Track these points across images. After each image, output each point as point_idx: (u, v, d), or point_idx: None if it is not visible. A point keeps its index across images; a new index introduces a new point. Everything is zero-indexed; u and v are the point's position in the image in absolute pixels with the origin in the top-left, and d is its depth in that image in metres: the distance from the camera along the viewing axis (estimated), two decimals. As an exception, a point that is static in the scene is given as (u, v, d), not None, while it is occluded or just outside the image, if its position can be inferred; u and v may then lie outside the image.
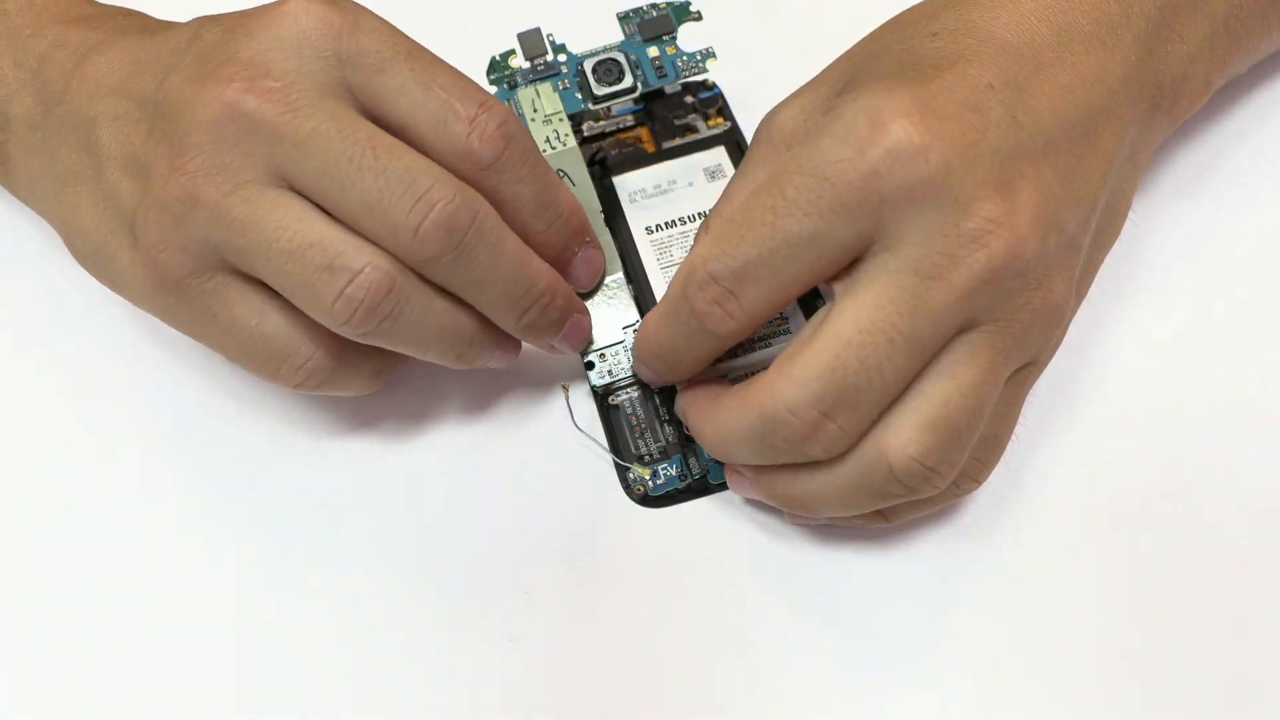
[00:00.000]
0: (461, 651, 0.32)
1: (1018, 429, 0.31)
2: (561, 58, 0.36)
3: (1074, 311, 0.31)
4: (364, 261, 0.29)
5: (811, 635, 0.32)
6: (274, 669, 0.32)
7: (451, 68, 0.30)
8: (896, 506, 0.31)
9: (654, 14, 0.37)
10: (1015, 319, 0.28)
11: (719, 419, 0.30)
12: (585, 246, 0.33)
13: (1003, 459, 0.31)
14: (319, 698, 0.31)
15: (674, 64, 0.36)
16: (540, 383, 0.36)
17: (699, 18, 0.37)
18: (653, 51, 0.37)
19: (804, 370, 0.28)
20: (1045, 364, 0.31)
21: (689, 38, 0.37)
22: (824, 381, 0.28)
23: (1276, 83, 0.39)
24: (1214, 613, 0.32)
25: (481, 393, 0.35)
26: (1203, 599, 0.32)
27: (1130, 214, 0.33)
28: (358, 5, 0.30)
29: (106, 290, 0.33)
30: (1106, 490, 0.33)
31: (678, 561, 0.33)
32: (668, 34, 0.37)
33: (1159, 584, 0.32)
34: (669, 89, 0.38)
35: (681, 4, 0.37)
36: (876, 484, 0.29)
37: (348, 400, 0.35)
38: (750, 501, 0.33)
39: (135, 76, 0.32)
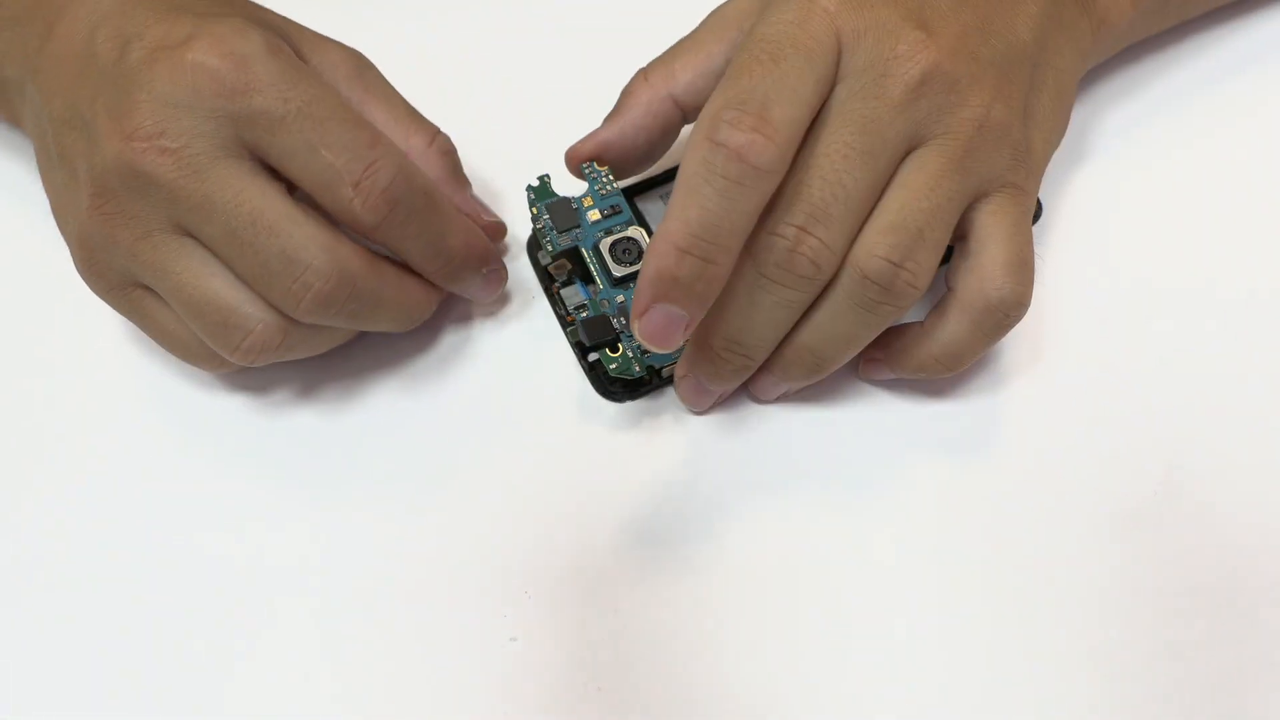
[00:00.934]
0: (461, 651, 0.32)
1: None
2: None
3: (1030, 158, 0.33)
4: (256, 320, 0.32)
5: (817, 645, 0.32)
6: (273, 669, 0.32)
7: (347, 120, 0.32)
8: (909, 369, 0.34)
9: None
10: (958, 132, 0.31)
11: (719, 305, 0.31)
12: (486, 268, 0.35)
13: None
14: (319, 698, 0.31)
15: None
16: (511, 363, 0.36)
17: None
18: None
19: (780, 198, 0.30)
20: (1023, 189, 0.32)
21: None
22: (797, 201, 0.30)
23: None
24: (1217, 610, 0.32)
25: (470, 382, 0.36)
26: (1207, 597, 0.32)
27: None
28: (254, 53, 0.31)
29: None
30: (1113, 485, 0.33)
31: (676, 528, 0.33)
32: None
33: (1165, 581, 0.32)
34: None
35: None
36: (861, 295, 0.31)
37: (346, 395, 0.36)
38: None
39: (77, 87, 0.33)
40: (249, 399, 0.36)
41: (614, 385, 0.35)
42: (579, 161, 0.36)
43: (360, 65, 0.36)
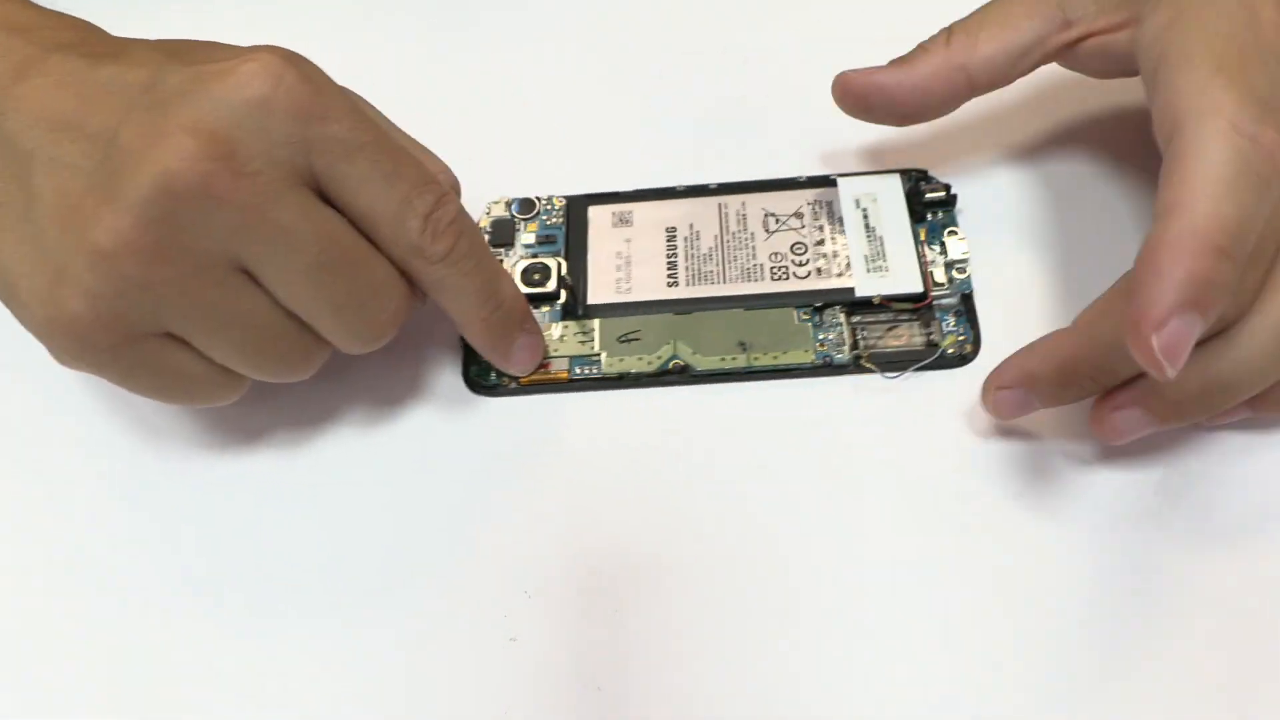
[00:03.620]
0: (461, 651, 0.32)
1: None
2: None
3: None
4: (316, 364, 0.32)
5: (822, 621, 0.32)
6: (272, 669, 0.32)
7: (412, 153, 0.31)
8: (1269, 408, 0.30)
9: None
10: None
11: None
12: (524, 333, 0.34)
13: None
14: (319, 698, 0.31)
15: None
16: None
17: None
18: None
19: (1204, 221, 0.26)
20: None
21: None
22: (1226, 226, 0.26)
23: None
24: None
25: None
26: (1208, 597, 0.32)
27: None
28: (326, 81, 0.29)
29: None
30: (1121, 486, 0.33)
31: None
32: None
33: (1165, 581, 0.32)
34: None
35: None
36: None
37: (342, 396, 0.36)
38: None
39: (81, 114, 0.28)
40: (242, 422, 0.36)
41: (474, 379, 0.36)
42: (845, 91, 0.35)
43: (363, 101, 0.34)
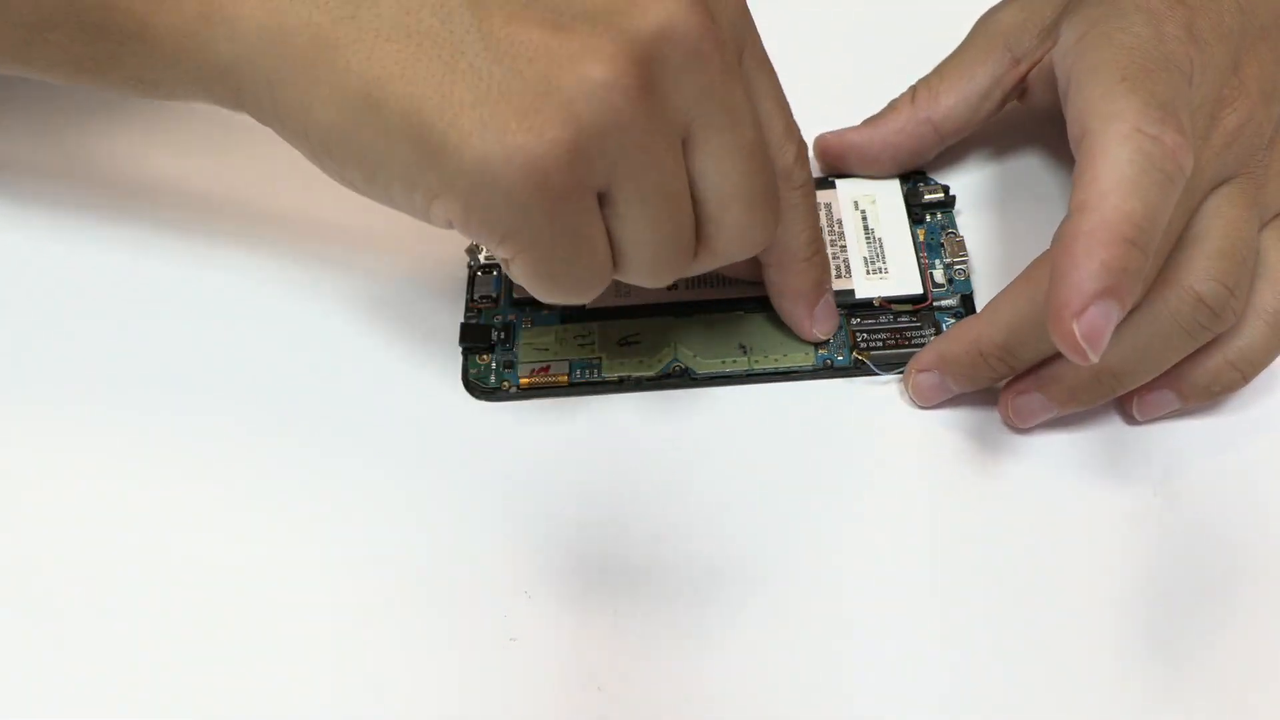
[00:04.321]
0: (461, 651, 0.32)
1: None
2: None
3: None
4: (681, 272, 0.31)
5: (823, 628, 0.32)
6: (271, 670, 0.32)
7: None
8: (1198, 384, 0.32)
9: None
10: (1255, 171, 0.32)
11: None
12: (829, 290, 0.35)
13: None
14: (319, 698, 0.31)
15: None
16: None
17: None
18: None
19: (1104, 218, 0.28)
20: None
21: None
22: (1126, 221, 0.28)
23: None
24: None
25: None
26: (1207, 598, 0.32)
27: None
28: None
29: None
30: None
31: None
32: None
33: (1165, 582, 0.32)
34: None
35: None
36: (1189, 319, 0.31)
37: (341, 399, 0.36)
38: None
39: None
40: (241, 394, 0.36)
41: (473, 383, 0.36)
42: (823, 152, 0.38)
43: None
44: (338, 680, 0.31)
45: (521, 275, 0.29)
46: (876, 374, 0.35)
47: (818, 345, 0.36)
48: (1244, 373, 0.33)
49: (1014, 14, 0.36)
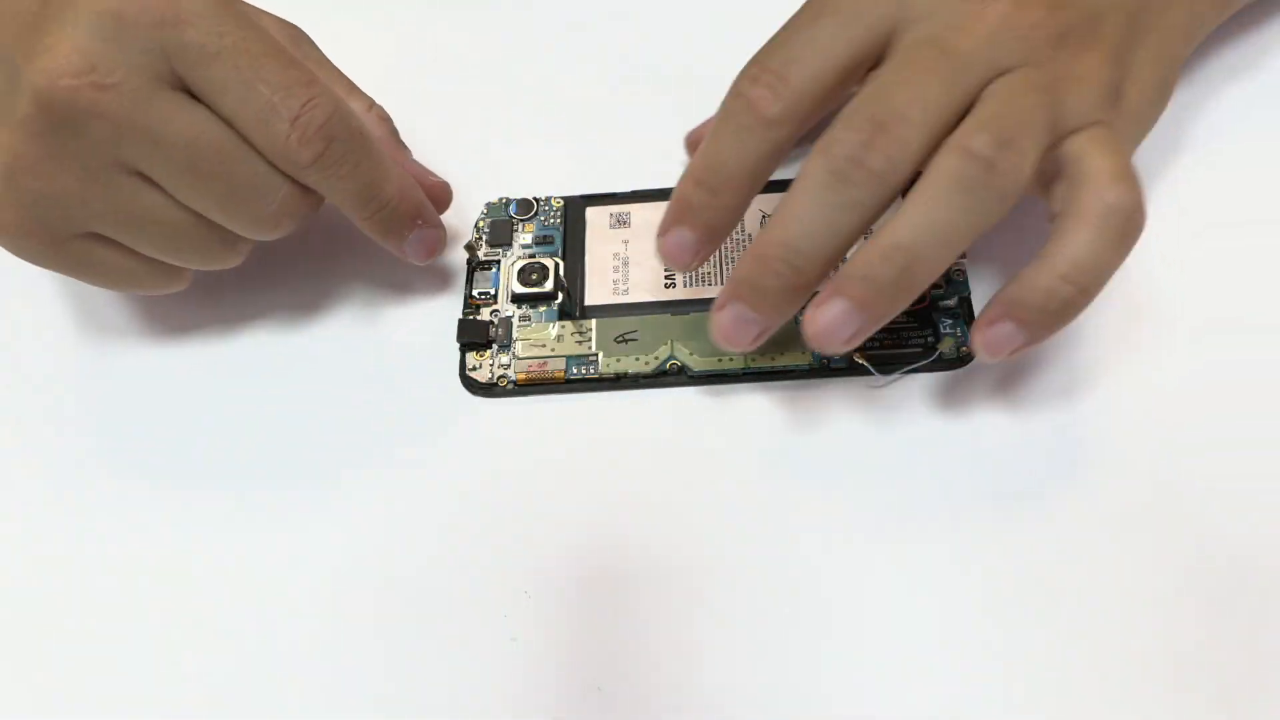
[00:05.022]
0: (461, 651, 0.32)
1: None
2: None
3: (1123, 104, 0.32)
4: (240, 251, 0.34)
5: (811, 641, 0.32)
6: (271, 670, 0.32)
7: (282, 57, 0.31)
8: (1033, 305, 0.30)
9: None
10: (1047, 65, 0.31)
11: (793, 212, 0.31)
12: (418, 228, 0.35)
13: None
14: (319, 698, 0.31)
15: None
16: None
17: None
18: None
19: (851, 107, 0.30)
20: (1115, 127, 0.32)
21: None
22: (871, 102, 0.30)
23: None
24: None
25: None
26: (1207, 598, 0.32)
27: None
28: None
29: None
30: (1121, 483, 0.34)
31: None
32: None
33: (1164, 582, 0.32)
34: None
35: None
36: (962, 173, 0.29)
37: (337, 396, 0.36)
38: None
39: None
40: (221, 399, 0.36)
41: (470, 379, 0.36)
42: (694, 144, 0.39)
43: (297, 36, 0.36)
44: (337, 680, 0.31)
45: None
46: (873, 374, 0.35)
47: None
48: (1080, 285, 0.30)
49: None
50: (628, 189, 0.39)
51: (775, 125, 0.31)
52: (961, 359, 0.35)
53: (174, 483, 0.35)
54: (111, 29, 0.30)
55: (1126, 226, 0.30)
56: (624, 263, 0.38)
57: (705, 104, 0.38)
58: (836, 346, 0.31)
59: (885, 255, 0.30)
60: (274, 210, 0.32)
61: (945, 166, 0.30)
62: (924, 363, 0.35)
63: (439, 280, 0.38)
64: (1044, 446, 0.34)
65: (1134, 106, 0.33)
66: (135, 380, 0.37)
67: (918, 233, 0.29)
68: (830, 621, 0.32)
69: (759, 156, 0.31)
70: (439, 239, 0.36)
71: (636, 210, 0.39)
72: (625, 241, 0.38)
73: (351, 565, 0.33)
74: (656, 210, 0.38)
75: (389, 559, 0.33)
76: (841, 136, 0.30)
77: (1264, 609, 0.32)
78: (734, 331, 0.32)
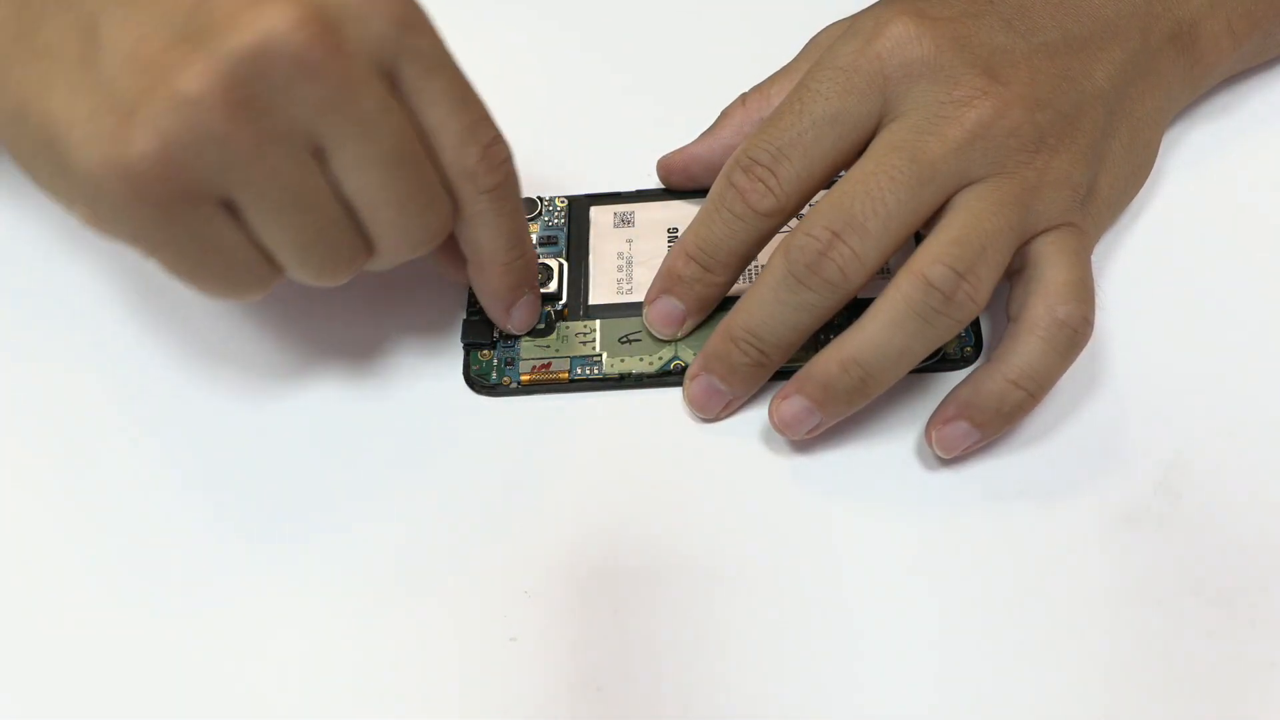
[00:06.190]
0: (461, 651, 0.32)
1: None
2: None
3: (1093, 201, 0.34)
4: (352, 270, 0.32)
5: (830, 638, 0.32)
6: (271, 670, 0.32)
7: (474, 88, 0.31)
8: (987, 407, 0.32)
9: None
10: (1019, 173, 0.32)
11: (754, 301, 0.33)
12: (532, 290, 0.36)
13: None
14: (319, 698, 0.32)
15: None
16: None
17: None
18: None
19: (816, 209, 0.32)
20: (1081, 227, 0.33)
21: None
22: (836, 210, 0.32)
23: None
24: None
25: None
26: (1207, 598, 0.32)
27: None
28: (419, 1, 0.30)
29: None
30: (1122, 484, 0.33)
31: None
32: None
33: (1164, 582, 0.32)
34: None
35: None
36: (920, 303, 0.31)
37: (342, 395, 0.36)
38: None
39: None
40: (221, 400, 0.36)
41: (474, 379, 0.36)
42: (668, 170, 0.39)
43: None
44: (337, 679, 0.32)
45: (166, 273, 0.30)
46: None
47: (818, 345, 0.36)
48: (1029, 390, 0.32)
49: (831, 30, 0.38)
50: (632, 189, 0.39)
51: (766, 217, 0.33)
52: (964, 359, 0.35)
53: (174, 482, 0.35)
54: (363, 6, 0.28)
55: (1074, 339, 0.32)
56: (628, 262, 0.38)
57: (709, 104, 0.39)
58: (800, 436, 0.34)
59: (844, 367, 0.32)
60: (438, 225, 0.32)
61: (905, 292, 0.31)
62: (926, 363, 0.35)
63: (442, 281, 0.38)
64: (1044, 446, 0.34)
65: (1106, 195, 0.35)
66: (135, 380, 0.37)
67: (875, 353, 0.32)
68: (830, 621, 0.32)
69: (750, 242, 0.34)
70: (539, 310, 0.37)
71: (641, 210, 0.39)
72: (629, 241, 0.38)
73: (352, 564, 0.33)
74: (661, 210, 0.39)
75: (391, 558, 0.33)
76: (801, 242, 0.32)
77: (1264, 609, 0.31)
78: (704, 400, 0.35)
